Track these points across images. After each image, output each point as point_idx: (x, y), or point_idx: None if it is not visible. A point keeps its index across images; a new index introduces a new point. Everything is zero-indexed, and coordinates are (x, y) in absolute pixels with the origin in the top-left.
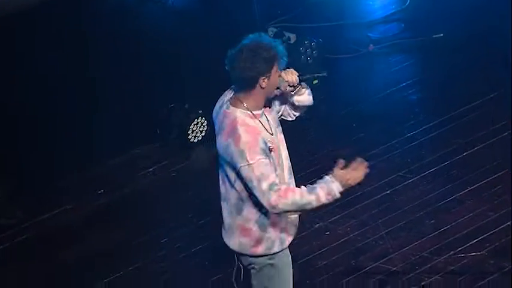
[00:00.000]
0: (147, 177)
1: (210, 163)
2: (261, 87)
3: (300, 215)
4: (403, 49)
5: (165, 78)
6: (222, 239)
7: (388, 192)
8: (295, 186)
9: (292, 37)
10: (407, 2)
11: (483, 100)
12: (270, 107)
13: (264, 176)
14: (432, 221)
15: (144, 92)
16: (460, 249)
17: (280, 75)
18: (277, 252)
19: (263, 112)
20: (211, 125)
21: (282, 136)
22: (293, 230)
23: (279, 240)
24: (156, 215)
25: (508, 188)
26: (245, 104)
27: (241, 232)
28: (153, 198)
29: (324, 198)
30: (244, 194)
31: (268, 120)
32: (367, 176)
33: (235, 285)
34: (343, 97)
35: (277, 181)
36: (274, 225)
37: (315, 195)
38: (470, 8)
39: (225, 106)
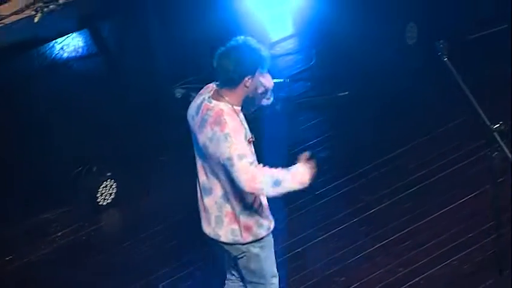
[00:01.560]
0: (55, 242)
1: (120, 226)
2: (245, 86)
3: None
4: (310, 107)
5: (72, 141)
6: (208, 237)
7: (299, 250)
8: None
9: None
10: (313, 61)
11: (389, 156)
12: None
13: (245, 155)
14: (342, 279)
15: (52, 156)
16: None
17: (260, 78)
18: (265, 237)
19: (241, 110)
20: (120, 187)
21: None
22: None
23: (266, 225)
24: (64, 282)
25: (416, 243)
26: (227, 99)
27: (231, 220)
28: (61, 263)
29: (297, 181)
30: (228, 183)
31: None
32: (276, 234)
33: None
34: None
35: (255, 162)
36: (260, 209)
37: (290, 174)
38: (375, 66)
39: (206, 101)
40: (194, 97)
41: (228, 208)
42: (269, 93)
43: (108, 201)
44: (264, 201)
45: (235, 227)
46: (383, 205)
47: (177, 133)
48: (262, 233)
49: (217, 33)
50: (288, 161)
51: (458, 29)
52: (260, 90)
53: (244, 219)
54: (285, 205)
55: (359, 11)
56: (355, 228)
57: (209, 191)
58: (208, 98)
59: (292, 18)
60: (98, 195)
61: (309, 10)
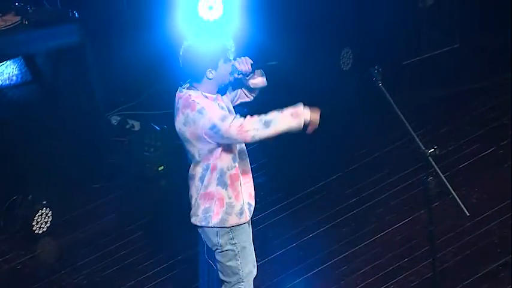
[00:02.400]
0: None
1: (56, 254)
2: (208, 78)
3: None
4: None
5: (7, 169)
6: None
7: None
8: (249, 167)
9: (136, 125)
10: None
11: (326, 182)
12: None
13: (226, 116)
14: None
15: None
16: None
17: (233, 64)
18: (235, 227)
19: (216, 98)
20: (55, 215)
21: None
22: (248, 208)
23: (237, 210)
24: None
25: (353, 268)
26: (200, 89)
27: (205, 199)
28: None
29: (288, 114)
30: (206, 163)
31: (222, 108)
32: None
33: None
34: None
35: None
36: (233, 191)
37: (281, 112)
38: (310, 92)
39: (178, 91)
40: (131, 124)
41: (203, 190)
42: (250, 74)
43: (44, 229)
44: (241, 190)
45: (208, 205)
46: (321, 230)
47: (112, 160)
48: (231, 220)
49: (153, 59)
50: None
51: (393, 54)
52: (237, 76)
53: (216, 196)
54: None
55: (294, 36)
56: (293, 253)
57: (192, 178)
58: (180, 88)
59: None
60: (34, 223)
61: (245, 38)
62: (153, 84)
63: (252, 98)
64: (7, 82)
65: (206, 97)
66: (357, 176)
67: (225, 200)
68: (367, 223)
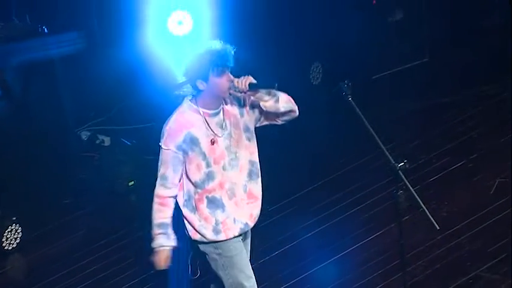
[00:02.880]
0: None
1: (26, 270)
2: (199, 88)
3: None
4: None
5: None
6: None
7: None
8: (257, 189)
9: (106, 140)
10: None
11: (296, 196)
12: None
13: (164, 165)
14: None
15: None
16: None
17: (232, 81)
18: (218, 242)
19: (218, 113)
20: (25, 231)
21: (247, 142)
22: (233, 226)
23: (211, 228)
24: None
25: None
26: (197, 101)
27: (184, 217)
28: None
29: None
30: (180, 183)
31: (223, 120)
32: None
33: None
34: None
35: (171, 178)
36: (200, 215)
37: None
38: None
39: None
40: (101, 139)
41: (183, 206)
42: (259, 95)
43: (14, 245)
44: (211, 213)
45: (186, 223)
46: (288, 246)
47: (82, 175)
48: (208, 236)
49: (124, 75)
50: None
51: (362, 69)
52: (234, 92)
53: (186, 216)
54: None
55: (264, 50)
56: (267, 266)
57: None
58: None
59: None
60: (3, 239)
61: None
62: (123, 99)
63: (279, 122)
64: None
65: (195, 112)
66: (326, 190)
67: (195, 223)
68: (337, 237)
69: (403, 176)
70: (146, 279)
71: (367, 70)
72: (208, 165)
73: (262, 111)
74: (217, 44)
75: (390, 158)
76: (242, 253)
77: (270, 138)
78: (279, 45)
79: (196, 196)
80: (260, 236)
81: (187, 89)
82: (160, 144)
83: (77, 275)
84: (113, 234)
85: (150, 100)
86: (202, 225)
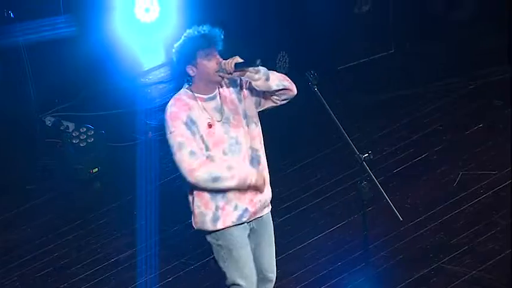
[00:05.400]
0: None
1: None
2: (189, 75)
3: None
4: None
5: None
6: None
7: (170, 279)
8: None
9: (71, 126)
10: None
11: None
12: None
13: (183, 144)
14: None
15: None
16: None
17: (220, 63)
18: (217, 231)
19: (213, 97)
20: None
21: (246, 128)
22: (232, 212)
23: (210, 215)
24: None
25: (286, 272)
26: (191, 88)
27: (190, 204)
28: None
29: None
30: None
31: (221, 105)
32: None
33: None
34: (122, 186)
35: (197, 150)
36: (200, 199)
37: (231, 173)
38: None
39: None
40: (65, 125)
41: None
42: (247, 74)
43: None
44: (211, 198)
45: (191, 210)
46: None
47: (46, 161)
48: (208, 225)
49: (90, 61)
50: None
51: (328, 59)
52: (221, 74)
53: (190, 202)
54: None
55: (229, 39)
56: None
57: None
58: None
59: (164, 47)
60: None
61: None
62: (88, 86)
63: (278, 102)
64: None
65: (191, 98)
66: (291, 179)
67: (196, 210)
68: (301, 227)
69: (367, 167)
70: (108, 267)
71: (333, 61)
72: (207, 148)
73: (259, 94)
74: (204, 28)
75: (355, 148)
76: (243, 249)
77: None
78: (245, 34)
79: None
80: None
81: (153, 76)
82: (169, 133)
83: (40, 261)
84: (76, 220)
85: (116, 87)
86: (202, 213)
